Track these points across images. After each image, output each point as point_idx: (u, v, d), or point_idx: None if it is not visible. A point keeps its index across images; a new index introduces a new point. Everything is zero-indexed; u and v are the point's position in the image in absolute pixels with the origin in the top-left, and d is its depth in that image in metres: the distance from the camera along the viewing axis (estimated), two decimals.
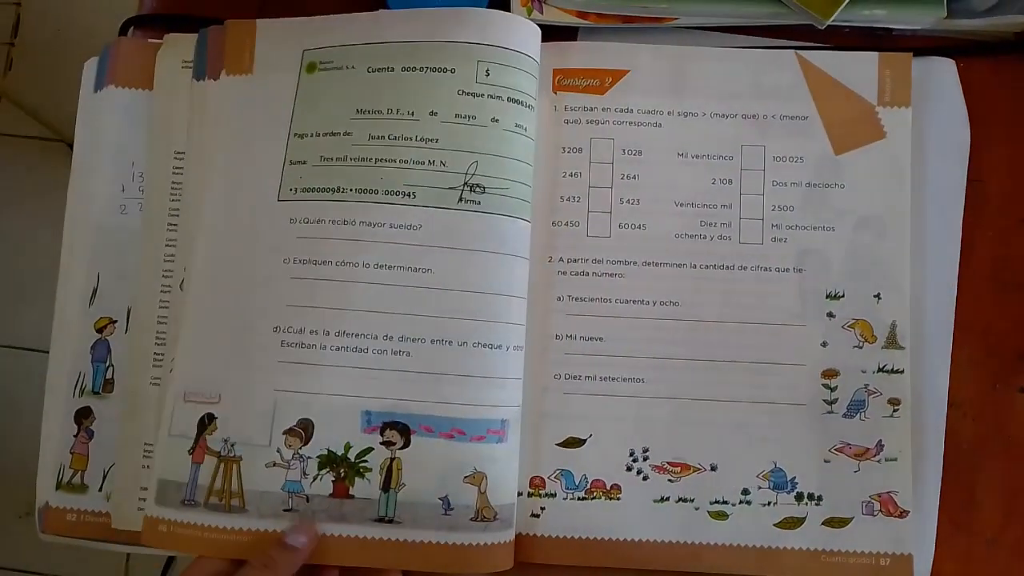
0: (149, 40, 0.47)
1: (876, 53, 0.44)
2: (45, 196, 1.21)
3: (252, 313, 0.41)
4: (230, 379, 0.41)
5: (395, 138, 0.41)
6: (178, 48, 0.46)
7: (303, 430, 0.40)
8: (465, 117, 0.41)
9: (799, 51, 0.44)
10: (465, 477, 0.40)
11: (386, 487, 0.40)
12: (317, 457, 0.40)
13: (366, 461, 0.40)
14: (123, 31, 0.49)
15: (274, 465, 0.40)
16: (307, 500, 0.40)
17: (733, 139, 0.44)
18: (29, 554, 1.11)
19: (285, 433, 0.40)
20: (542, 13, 0.44)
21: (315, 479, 0.40)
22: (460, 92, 0.41)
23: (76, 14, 1.25)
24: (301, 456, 0.40)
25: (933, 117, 0.44)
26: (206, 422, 0.41)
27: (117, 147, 0.46)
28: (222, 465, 0.41)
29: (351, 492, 0.40)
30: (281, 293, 0.41)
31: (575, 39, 0.46)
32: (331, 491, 0.40)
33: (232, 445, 0.41)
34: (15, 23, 1.27)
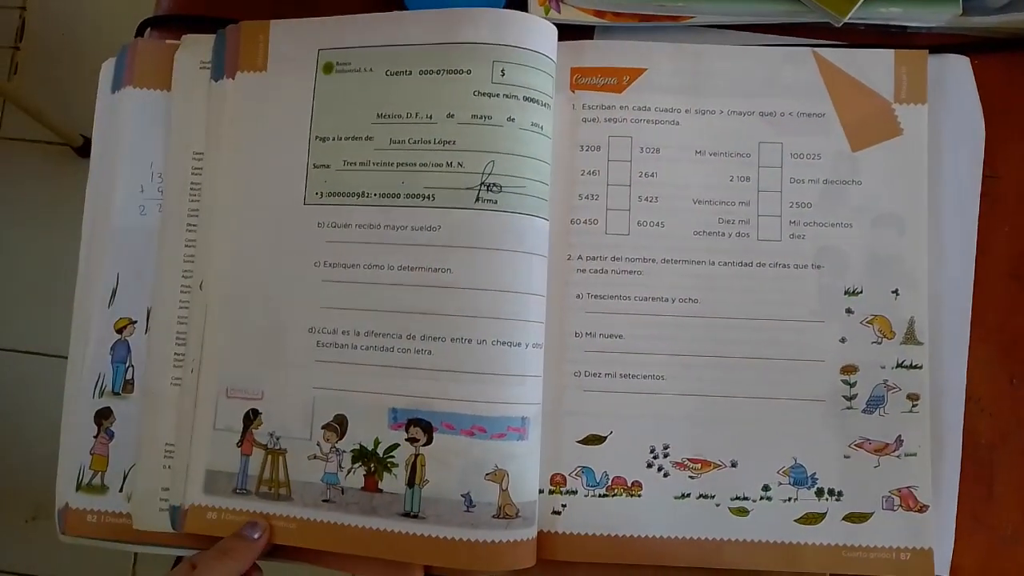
0: (167, 41, 0.47)
1: (892, 51, 0.44)
2: (52, 200, 1.22)
3: (287, 314, 0.43)
4: (271, 377, 0.43)
5: (415, 142, 0.42)
6: (196, 49, 0.46)
7: (339, 425, 0.42)
8: (481, 118, 0.41)
9: (815, 49, 0.44)
10: (487, 474, 0.40)
11: (411, 483, 0.41)
12: (351, 451, 0.42)
13: (393, 456, 0.41)
14: (140, 32, 0.49)
15: (315, 458, 0.42)
16: (342, 492, 0.42)
17: (750, 136, 0.44)
18: (36, 558, 1.11)
19: (323, 428, 0.42)
20: (559, 12, 0.45)
21: (349, 472, 0.42)
22: (476, 93, 0.41)
23: (81, 17, 1.25)
24: (337, 450, 0.42)
25: (949, 114, 0.44)
26: (251, 417, 0.43)
27: (135, 148, 0.46)
28: (269, 457, 0.43)
29: (380, 486, 0.41)
30: (314, 295, 0.43)
31: (592, 38, 0.46)
32: (363, 484, 0.42)
33: (278, 439, 0.43)
34: (20, 27, 1.27)
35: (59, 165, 1.22)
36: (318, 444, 0.42)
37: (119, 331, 0.45)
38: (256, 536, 0.41)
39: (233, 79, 0.45)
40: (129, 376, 0.45)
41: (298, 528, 0.42)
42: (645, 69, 0.44)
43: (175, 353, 0.45)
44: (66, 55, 1.24)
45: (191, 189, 0.46)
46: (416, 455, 0.41)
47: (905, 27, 0.45)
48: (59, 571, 1.12)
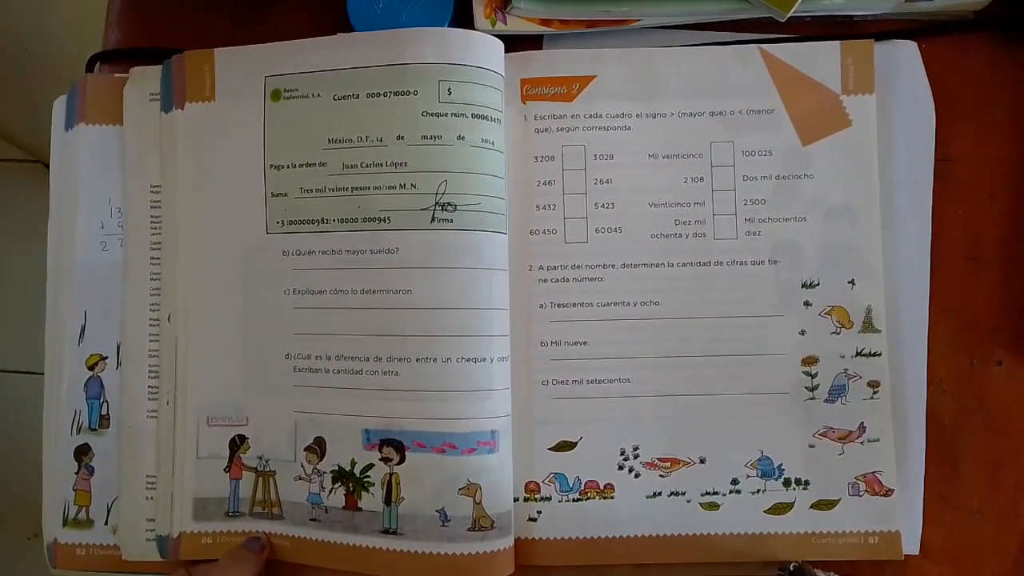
0: (116, 75, 0.47)
1: (838, 42, 0.44)
2: (26, 218, 1.21)
3: (264, 341, 0.44)
4: (255, 403, 0.44)
5: (367, 165, 0.42)
6: (144, 81, 0.46)
7: (318, 447, 0.43)
8: (431, 138, 0.41)
9: (762, 45, 0.44)
10: (459, 489, 0.41)
11: (388, 500, 0.42)
12: (330, 472, 0.43)
13: (369, 476, 0.42)
14: (90, 67, 0.49)
15: (299, 479, 0.43)
16: (326, 511, 0.43)
17: (702, 137, 0.44)
18: (41, 575, 1.13)
19: (305, 450, 0.43)
20: (505, 23, 0.45)
21: (331, 492, 0.43)
22: (424, 113, 0.41)
23: (44, 33, 1.24)
24: (319, 471, 0.43)
25: (898, 100, 0.45)
26: (238, 443, 0.44)
27: (93, 184, 0.46)
28: (260, 479, 0.44)
29: (359, 505, 0.42)
30: (287, 323, 0.43)
31: (541, 47, 0.46)
32: (344, 503, 0.43)
33: (266, 461, 0.44)
34: None
35: (30, 182, 1.22)
36: (302, 466, 0.43)
37: (91, 368, 0.46)
38: (258, 550, 0.43)
39: (183, 109, 0.45)
40: (104, 411, 0.46)
41: (291, 545, 0.43)
42: (595, 76, 0.45)
43: (149, 386, 0.45)
44: (31, 72, 1.23)
45: (152, 222, 0.46)
46: (391, 474, 0.42)
47: (851, 16, 0.46)
48: None
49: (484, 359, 0.41)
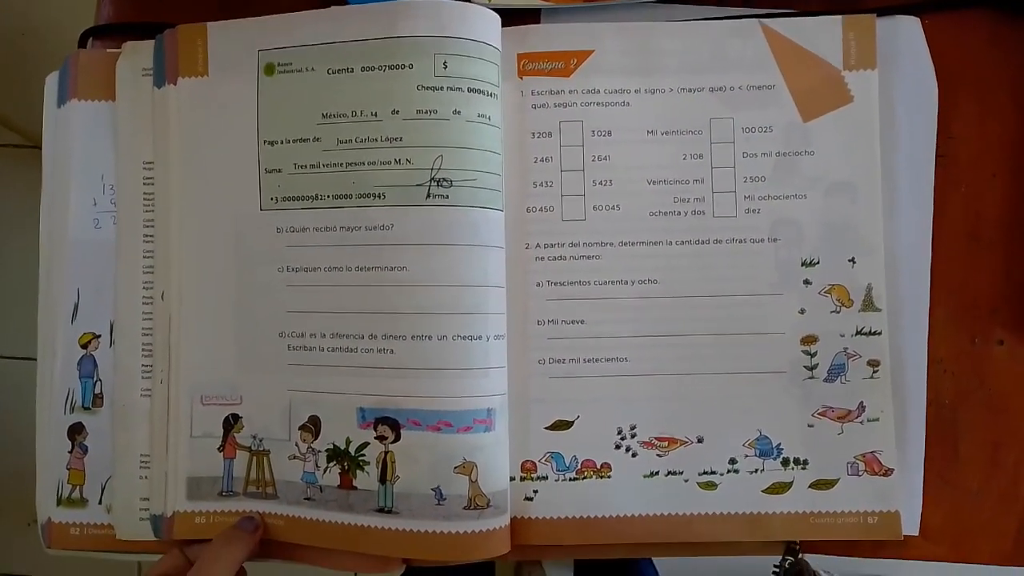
0: (108, 50, 0.46)
1: (840, 16, 0.44)
2: (21, 203, 1.21)
3: (258, 320, 0.43)
4: (249, 382, 0.44)
5: (362, 140, 0.41)
6: (137, 56, 0.46)
7: (313, 426, 0.43)
8: (426, 112, 0.41)
9: (763, 20, 0.44)
10: (455, 467, 0.40)
11: (383, 479, 0.41)
12: (325, 451, 0.42)
13: (364, 455, 0.42)
14: (82, 42, 0.48)
15: (294, 458, 0.43)
16: (321, 490, 0.42)
17: (701, 113, 0.44)
18: (37, 561, 1.13)
19: (299, 429, 0.43)
20: None
21: (326, 471, 0.42)
22: (419, 87, 0.41)
23: (38, 17, 1.23)
24: (314, 450, 0.43)
25: (900, 76, 0.44)
26: (231, 422, 0.44)
27: (85, 161, 0.46)
28: (254, 458, 0.44)
29: (355, 484, 0.42)
30: (281, 300, 0.43)
31: (538, 21, 0.45)
32: (339, 482, 0.42)
33: (260, 440, 0.44)
34: None
35: (26, 167, 1.21)
36: (296, 445, 0.43)
37: (84, 346, 0.45)
38: (251, 529, 0.43)
39: (175, 84, 0.44)
40: (98, 390, 0.45)
41: (286, 524, 0.43)
42: (592, 51, 0.44)
43: (142, 365, 0.45)
44: (25, 57, 1.22)
45: (144, 199, 0.45)
46: (386, 452, 0.41)
47: None
48: (61, 574, 1.13)
49: (480, 337, 0.41)
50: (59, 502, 0.45)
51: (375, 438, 0.41)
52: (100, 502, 0.45)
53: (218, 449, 0.44)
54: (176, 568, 0.42)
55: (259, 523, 0.43)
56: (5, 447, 1.16)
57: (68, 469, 0.45)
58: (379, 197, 0.41)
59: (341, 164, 0.42)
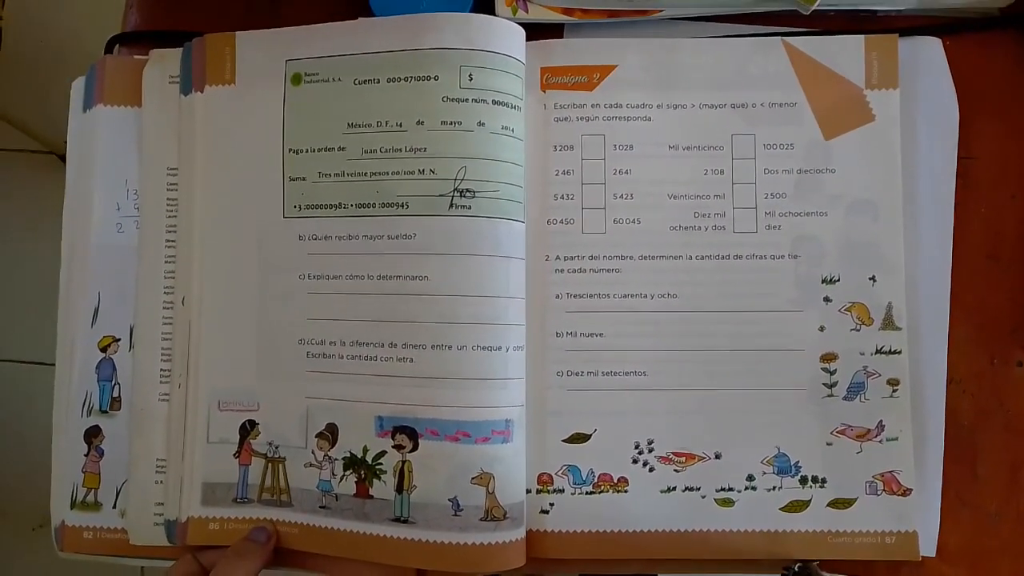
0: (135, 57, 0.47)
1: (862, 36, 0.44)
2: (39, 208, 1.21)
3: (277, 326, 0.43)
4: (267, 389, 0.44)
5: (386, 150, 0.42)
6: (164, 64, 0.46)
7: (330, 434, 0.43)
8: (451, 124, 0.41)
9: (785, 38, 0.44)
10: (472, 478, 0.40)
11: (400, 488, 0.41)
12: (342, 459, 0.42)
13: (381, 464, 0.42)
14: (108, 49, 0.49)
15: (310, 465, 0.43)
16: (336, 499, 0.42)
17: (723, 129, 0.44)
18: (44, 565, 1.13)
19: (316, 437, 0.43)
20: (527, 12, 0.44)
21: (342, 479, 0.42)
22: (445, 99, 0.41)
23: (59, 24, 1.25)
24: (330, 458, 0.43)
25: (922, 97, 0.44)
26: (248, 428, 0.44)
27: (110, 166, 0.46)
28: (270, 465, 0.44)
29: (371, 493, 0.42)
30: (301, 308, 0.43)
31: (561, 36, 0.46)
32: (355, 491, 0.42)
33: (276, 447, 0.44)
34: None
35: (45, 173, 1.22)
36: (312, 452, 0.43)
37: (103, 349, 0.45)
38: (264, 540, 0.42)
39: (203, 92, 0.45)
40: (116, 394, 0.45)
41: (300, 533, 0.43)
42: (615, 66, 0.44)
43: (161, 369, 0.45)
44: (46, 63, 1.23)
45: (168, 205, 0.46)
46: (403, 462, 0.41)
47: (875, 11, 0.45)
48: None
49: (500, 348, 0.41)
50: (73, 505, 0.45)
51: (393, 447, 0.41)
52: (114, 506, 0.45)
53: (234, 455, 0.44)
54: (190, 574, 0.42)
55: (272, 533, 0.43)
56: (11, 451, 1.16)
57: (83, 473, 0.45)
58: (402, 207, 0.41)
59: (365, 173, 0.42)
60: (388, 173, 0.42)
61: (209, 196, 0.44)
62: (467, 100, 0.41)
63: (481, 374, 0.41)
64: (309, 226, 0.43)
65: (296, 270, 0.43)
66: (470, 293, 0.41)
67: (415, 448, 0.41)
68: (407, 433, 0.41)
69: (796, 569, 0.42)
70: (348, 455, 0.42)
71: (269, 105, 0.44)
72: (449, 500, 0.40)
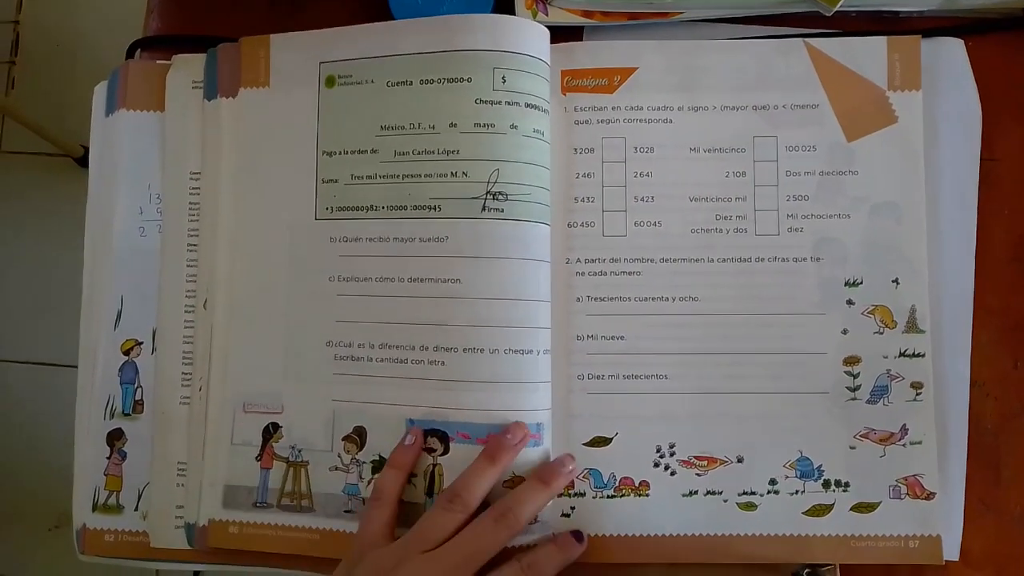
0: (157, 62, 0.47)
1: (885, 37, 0.44)
2: (55, 212, 1.22)
3: (305, 329, 0.43)
4: (291, 391, 0.43)
5: (419, 153, 0.42)
6: (187, 69, 0.46)
7: (358, 437, 0.42)
8: (484, 126, 0.41)
9: (807, 39, 0.44)
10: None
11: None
12: (371, 462, 0.42)
13: None
14: (130, 54, 0.49)
15: (335, 469, 0.43)
16: (363, 502, 0.42)
17: (745, 131, 0.44)
18: (60, 566, 1.13)
19: (343, 440, 0.43)
20: (547, 15, 0.44)
21: (369, 483, 0.42)
22: (478, 101, 0.41)
23: (75, 28, 1.25)
24: (357, 461, 0.42)
25: (944, 98, 0.44)
26: (271, 431, 0.44)
27: (132, 170, 0.46)
28: (291, 469, 0.43)
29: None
30: (330, 310, 0.43)
31: (581, 39, 0.46)
32: None
33: (299, 451, 0.43)
34: (15, 40, 1.27)
35: (61, 176, 1.23)
36: (339, 456, 0.43)
37: (126, 353, 0.46)
38: (574, 552, 0.40)
39: (234, 97, 0.45)
40: (138, 397, 0.46)
41: (321, 539, 0.43)
42: (636, 68, 0.44)
43: (182, 373, 0.45)
44: (62, 67, 1.24)
45: (190, 209, 0.46)
46: (434, 465, 0.41)
47: (897, 12, 0.45)
48: None
49: (531, 351, 0.41)
50: (95, 508, 0.45)
51: (423, 450, 0.41)
52: (136, 509, 0.45)
53: (256, 458, 0.44)
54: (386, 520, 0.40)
55: (583, 543, 0.41)
56: (28, 452, 1.17)
57: (105, 475, 0.45)
58: (435, 209, 0.41)
59: (398, 176, 0.42)
60: (421, 176, 0.42)
61: (237, 199, 0.45)
62: (500, 103, 0.41)
63: (514, 377, 0.40)
64: (341, 228, 0.43)
65: (326, 272, 0.43)
66: (503, 296, 0.41)
67: (446, 451, 0.41)
68: (438, 436, 0.41)
69: (804, 574, 0.42)
70: (377, 458, 0.42)
71: (303, 107, 0.44)
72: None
